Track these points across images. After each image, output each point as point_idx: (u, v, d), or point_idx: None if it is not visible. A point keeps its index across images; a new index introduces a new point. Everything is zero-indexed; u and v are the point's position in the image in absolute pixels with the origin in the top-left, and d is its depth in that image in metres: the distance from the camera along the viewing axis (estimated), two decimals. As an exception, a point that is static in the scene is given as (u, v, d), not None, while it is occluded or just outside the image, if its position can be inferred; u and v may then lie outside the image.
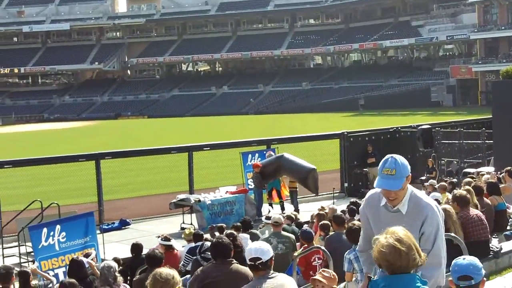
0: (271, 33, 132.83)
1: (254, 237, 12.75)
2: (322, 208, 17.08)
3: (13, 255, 17.06)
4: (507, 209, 11.91)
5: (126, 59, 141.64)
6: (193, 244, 12.14)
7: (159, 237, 13.63)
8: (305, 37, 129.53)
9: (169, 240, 12.47)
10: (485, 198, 11.66)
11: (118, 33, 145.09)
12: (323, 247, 9.04)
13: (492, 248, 9.52)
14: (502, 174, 14.59)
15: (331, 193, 25.67)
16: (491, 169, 20.44)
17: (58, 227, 14.82)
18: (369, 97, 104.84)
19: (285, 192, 22.12)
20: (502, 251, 9.67)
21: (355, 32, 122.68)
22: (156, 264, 7.89)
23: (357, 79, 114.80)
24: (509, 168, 14.72)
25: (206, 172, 27.48)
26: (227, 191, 20.03)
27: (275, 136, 30.50)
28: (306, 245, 9.49)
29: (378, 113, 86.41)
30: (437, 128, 26.55)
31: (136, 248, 12.50)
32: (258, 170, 20.69)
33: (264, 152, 22.74)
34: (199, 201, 18.81)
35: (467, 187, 11.75)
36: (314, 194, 23.42)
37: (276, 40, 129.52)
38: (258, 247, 5.89)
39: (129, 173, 29.98)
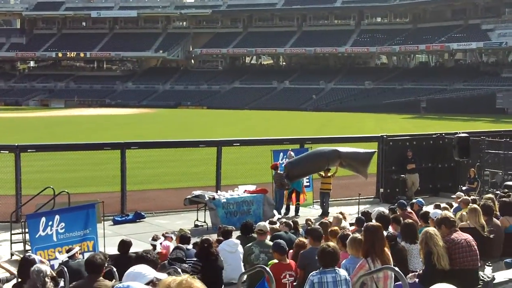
0: (336, 29, 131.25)
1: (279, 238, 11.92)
2: (341, 214, 16.19)
3: (20, 241, 16.69)
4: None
5: (191, 49, 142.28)
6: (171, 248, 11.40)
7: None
8: (371, 35, 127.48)
9: (155, 240, 11.75)
10: (495, 219, 10.57)
11: (184, 23, 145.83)
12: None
13: (482, 277, 8.47)
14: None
15: (363, 198, 24.75)
16: (533, 184, 19.14)
17: (57, 217, 14.34)
18: (432, 100, 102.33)
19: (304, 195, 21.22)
20: (495, 281, 8.60)
21: (422, 33, 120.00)
22: (94, 272, 7.19)
23: (421, 81, 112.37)
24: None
25: (236, 168, 26.72)
26: (245, 190, 19.22)
27: (311, 136, 29.47)
28: (277, 259, 8.63)
29: (439, 117, 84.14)
30: (482, 137, 25.11)
31: (123, 245, 11.82)
32: (278, 170, 19.90)
33: (281, 160, 21.73)
34: (214, 198, 18.06)
35: (474, 205, 10.69)
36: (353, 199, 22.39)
37: (341, 37, 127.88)
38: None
39: (157, 164, 29.54)
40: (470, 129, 43.97)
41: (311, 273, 7.49)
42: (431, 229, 8.31)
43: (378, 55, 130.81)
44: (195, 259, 9.88)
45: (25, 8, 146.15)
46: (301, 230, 14.78)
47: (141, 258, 7.61)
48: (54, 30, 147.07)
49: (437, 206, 16.36)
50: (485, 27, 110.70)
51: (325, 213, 20.71)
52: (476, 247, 8.35)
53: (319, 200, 22.25)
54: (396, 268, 7.03)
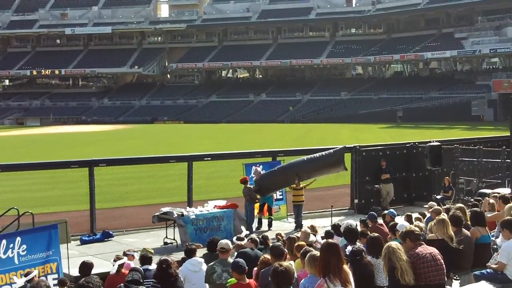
0: (311, 41, 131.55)
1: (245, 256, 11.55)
2: (311, 228, 15.85)
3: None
4: (491, 243, 10.46)
5: (166, 64, 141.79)
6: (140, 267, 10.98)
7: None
8: (346, 46, 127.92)
9: (116, 260, 11.35)
10: (464, 230, 10.27)
11: (159, 38, 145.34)
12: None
13: (449, 293, 8.20)
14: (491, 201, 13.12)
15: (338, 210, 24.47)
16: (507, 190, 18.93)
17: (18, 239, 13.77)
18: (408, 109, 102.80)
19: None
20: (463, 297, 8.33)
21: (397, 43, 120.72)
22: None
23: (397, 91, 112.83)
24: (503, 194, 13.29)
25: (210, 182, 26.37)
26: (215, 206, 18.79)
27: (287, 147, 29.18)
28: (236, 279, 8.25)
29: (415, 125, 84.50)
30: (456, 145, 24.94)
31: (84, 267, 11.41)
32: (247, 184, 19.57)
33: (253, 168, 21.37)
34: (182, 215, 17.62)
35: (441, 216, 10.39)
36: (326, 209, 21.95)
37: (317, 49, 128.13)
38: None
39: (131, 181, 29.12)
40: (445, 137, 44.05)
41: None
42: (393, 243, 7.98)
43: (354, 65, 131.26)
44: (153, 280, 9.50)
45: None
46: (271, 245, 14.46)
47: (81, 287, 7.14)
48: (29, 48, 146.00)
49: (409, 217, 16.11)
50: (459, 35, 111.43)
51: (299, 226, 20.32)
52: (442, 261, 8.03)
53: (293, 213, 21.89)
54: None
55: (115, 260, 11.71)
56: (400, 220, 17.36)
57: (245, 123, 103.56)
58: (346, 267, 7.21)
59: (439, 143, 22.93)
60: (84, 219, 21.22)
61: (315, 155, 20.15)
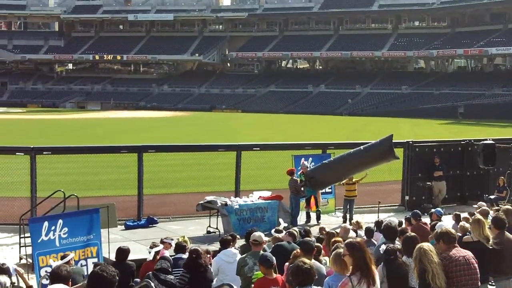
0: (373, 33, 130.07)
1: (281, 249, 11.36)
2: (357, 223, 15.55)
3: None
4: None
5: (227, 52, 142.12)
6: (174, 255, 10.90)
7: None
8: (409, 39, 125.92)
9: (152, 247, 11.28)
10: (507, 233, 9.81)
11: (220, 26, 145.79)
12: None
13: (484, 299, 7.82)
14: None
15: (388, 206, 24.06)
16: None
17: (60, 221, 13.88)
18: (470, 106, 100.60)
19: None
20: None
21: (461, 37, 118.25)
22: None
23: (459, 86, 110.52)
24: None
25: (258, 173, 26.18)
26: (260, 196, 18.61)
27: (335, 141, 28.76)
28: (263, 273, 8.04)
29: (477, 122, 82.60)
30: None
31: (121, 253, 11.37)
32: (293, 176, 19.31)
33: (300, 166, 20.96)
34: (226, 204, 17.50)
35: (477, 216, 9.97)
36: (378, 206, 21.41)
37: (378, 41, 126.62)
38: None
39: (182, 168, 29.16)
40: (507, 136, 42.87)
41: (294, 293, 6.94)
42: (425, 245, 7.64)
43: (416, 59, 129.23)
44: (183, 270, 9.38)
45: (63, 11, 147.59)
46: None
47: (54, 274, 6.86)
48: (92, 33, 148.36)
49: (457, 217, 15.64)
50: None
51: (349, 221, 19.98)
52: (476, 265, 7.66)
53: (341, 207, 21.56)
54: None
55: (151, 247, 11.65)
56: (448, 220, 16.95)
57: (303, 114, 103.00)
58: (373, 267, 6.94)
59: (493, 142, 22.25)
60: (132, 204, 21.31)
61: (362, 146, 19.59)
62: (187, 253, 10.65)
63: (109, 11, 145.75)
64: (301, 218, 19.77)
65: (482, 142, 22.36)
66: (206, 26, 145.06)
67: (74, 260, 11.93)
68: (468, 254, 7.76)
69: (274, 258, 8.43)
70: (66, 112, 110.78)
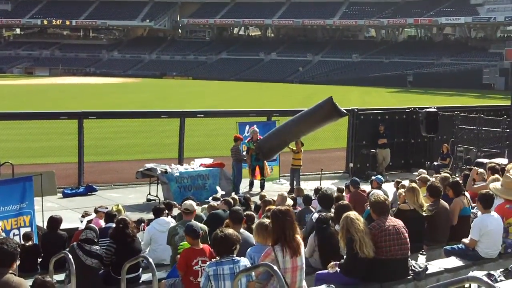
0: (325, 1, 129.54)
1: (196, 218, 11.19)
2: (298, 190, 15.44)
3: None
4: (472, 215, 9.94)
5: (178, 19, 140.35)
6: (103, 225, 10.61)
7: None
8: (360, 8, 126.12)
9: (84, 216, 10.98)
10: (441, 201, 9.77)
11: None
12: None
13: (414, 268, 7.70)
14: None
15: (332, 172, 24.07)
16: (505, 161, 18.43)
17: (-10, 190, 13.47)
18: (419, 74, 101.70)
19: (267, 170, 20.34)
20: (427, 272, 7.81)
21: (411, 7, 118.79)
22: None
23: (409, 55, 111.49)
24: (493, 164, 12.73)
25: (201, 140, 25.93)
26: (201, 164, 18.34)
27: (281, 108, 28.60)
28: (190, 243, 7.81)
29: (425, 91, 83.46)
30: (456, 112, 24.34)
31: (52, 221, 11.05)
32: (239, 143, 19.10)
33: (247, 132, 20.76)
34: (166, 172, 17.19)
35: (412, 184, 9.92)
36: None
37: (330, 9, 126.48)
38: None
39: (123, 135, 28.69)
40: (454, 104, 43.30)
41: (207, 264, 6.74)
42: (352, 213, 7.50)
43: (367, 28, 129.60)
44: (109, 240, 9.11)
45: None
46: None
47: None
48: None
49: (398, 184, 15.64)
50: (474, 1, 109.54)
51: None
52: (406, 234, 7.51)
53: (288, 175, 21.48)
54: (273, 266, 6.15)
55: (83, 216, 11.36)
56: (390, 187, 16.97)
57: (254, 81, 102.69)
58: (298, 237, 6.76)
59: (435, 110, 22.35)
60: (73, 172, 20.87)
61: (303, 112, 19.47)
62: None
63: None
64: (245, 187, 19.61)
65: (425, 110, 22.42)
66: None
67: (5, 229, 11.52)
68: (399, 223, 7.63)
69: (200, 227, 8.22)
70: (12, 77, 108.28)
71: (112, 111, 28.18)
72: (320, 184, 18.32)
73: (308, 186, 18.84)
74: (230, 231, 6.72)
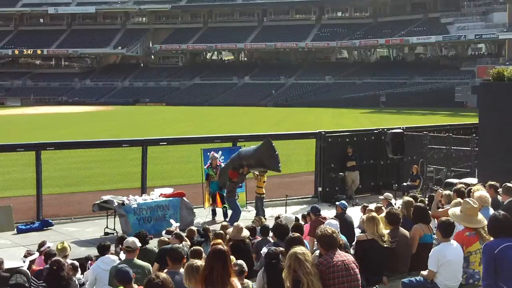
0: (297, 24, 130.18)
1: (149, 254, 10.57)
2: (258, 220, 14.86)
3: None
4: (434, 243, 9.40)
5: (150, 45, 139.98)
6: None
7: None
8: (332, 30, 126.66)
9: (27, 256, 10.31)
10: (401, 229, 9.25)
11: (143, 19, 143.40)
12: None
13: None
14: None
15: (302, 198, 23.56)
16: (474, 180, 18.02)
17: None
18: (392, 94, 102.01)
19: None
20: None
21: (383, 27, 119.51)
22: None
23: (381, 75, 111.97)
24: (459, 186, 12.24)
25: (165, 168, 25.31)
26: (161, 194, 17.69)
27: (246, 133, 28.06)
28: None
29: (398, 111, 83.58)
30: (424, 132, 23.97)
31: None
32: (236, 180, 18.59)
33: (208, 154, 20.22)
34: (123, 204, 16.52)
35: (371, 214, 9.38)
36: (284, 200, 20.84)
37: (302, 32, 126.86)
38: None
39: (87, 165, 28.00)
40: (427, 123, 43.04)
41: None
42: (299, 251, 6.75)
43: (339, 49, 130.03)
44: (42, 283, 8.46)
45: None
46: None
47: None
48: (11, 27, 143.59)
49: (365, 208, 15.15)
50: (445, 20, 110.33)
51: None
52: (356, 270, 6.93)
53: (253, 201, 20.93)
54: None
55: (25, 256, 10.66)
56: (355, 212, 16.43)
57: (228, 106, 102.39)
58: (235, 280, 6.15)
59: (401, 130, 21.93)
60: (33, 205, 20.11)
61: (251, 147, 19.17)
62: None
63: (28, 4, 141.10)
64: (208, 216, 19.03)
65: (391, 131, 21.97)
66: (129, 18, 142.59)
67: None
68: (349, 258, 7.02)
69: (140, 267, 7.61)
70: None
71: (70, 141, 27.31)
72: (285, 211, 17.79)
73: (276, 213, 18.29)
74: (167, 277, 6.04)
